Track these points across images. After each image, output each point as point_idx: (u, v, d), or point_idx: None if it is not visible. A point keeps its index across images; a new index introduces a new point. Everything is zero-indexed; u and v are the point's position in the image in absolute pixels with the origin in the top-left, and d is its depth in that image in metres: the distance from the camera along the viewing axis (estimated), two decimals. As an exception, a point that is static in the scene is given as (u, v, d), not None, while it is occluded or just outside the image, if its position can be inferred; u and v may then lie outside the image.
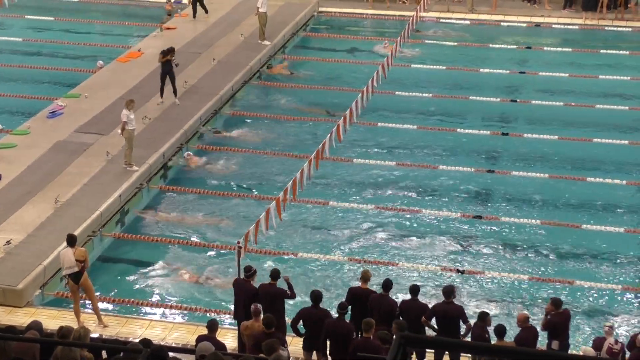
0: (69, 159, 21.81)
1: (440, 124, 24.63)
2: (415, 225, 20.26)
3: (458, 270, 18.65)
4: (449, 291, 15.18)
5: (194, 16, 29.93)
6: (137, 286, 18.39)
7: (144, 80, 25.86)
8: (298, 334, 15.05)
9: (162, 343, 15.31)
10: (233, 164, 22.80)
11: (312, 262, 19.03)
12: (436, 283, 18.13)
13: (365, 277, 15.43)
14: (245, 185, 21.93)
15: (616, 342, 14.57)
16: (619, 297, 18.02)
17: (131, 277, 18.66)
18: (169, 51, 23.85)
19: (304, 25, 31.11)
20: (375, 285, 16.20)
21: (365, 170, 22.42)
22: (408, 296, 15.36)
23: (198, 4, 29.93)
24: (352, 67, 27.92)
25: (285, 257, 19.12)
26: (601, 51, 28.93)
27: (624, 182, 21.66)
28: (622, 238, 19.74)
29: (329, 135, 19.85)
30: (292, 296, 15.45)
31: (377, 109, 24.98)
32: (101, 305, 17.42)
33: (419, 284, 16.06)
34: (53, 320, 16.52)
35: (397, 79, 26.47)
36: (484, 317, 14.82)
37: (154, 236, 19.82)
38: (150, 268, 18.91)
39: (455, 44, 29.66)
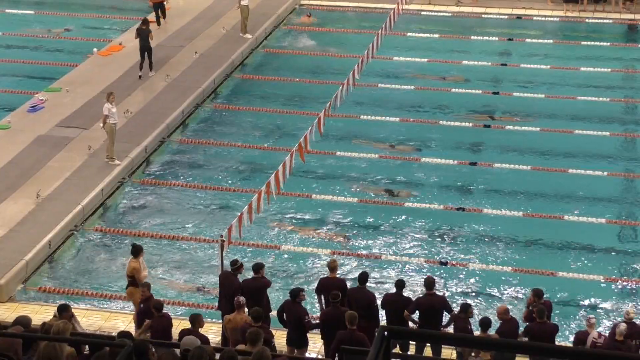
0: (51, 153, 21.71)
1: (423, 116, 24.65)
2: (398, 217, 20.29)
3: (441, 263, 18.70)
4: (431, 282, 15.25)
5: (159, 24, 28.34)
6: (120, 281, 18.32)
7: (125, 73, 25.75)
8: (285, 325, 15.10)
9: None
10: (215, 157, 22.76)
11: (294, 255, 19.02)
12: (419, 275, 18.16)
13: (331, 267, 15.51)
14: (228, 179, 21.88)
15: (599, 335, 14.62)
16: (601, 289, 18.11)
17: (114, 272, 18.61)
18: (143, 23, 25.24)
19: (285, 18, 31.04)
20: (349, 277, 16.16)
21: (348, 162, 22.42)
22: (392, 289, 15.41)
23: (159, 10, 28.51)
24: (334, 59, 27.87)
25: (268, 250, 19.11)
26: (582, 43, 29.02)
27: (606, 173, 21.77)
28: (604, 229, 19.85)
29: (310, 128, 19.85)
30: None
31: (360, 101, 24.98)
32: (85, 299, 17.37)
33: (401, 276, 16.13)
34: (35, 315, 16.43)
35: (379, 71, 26.48)
36: (466, 309, 14.90)
37: (137, 230, 19.77)
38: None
39: (437, 36, 29.70)
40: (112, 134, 21.12)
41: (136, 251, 16.19)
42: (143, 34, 25.16)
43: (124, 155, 21.61)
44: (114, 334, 15.03)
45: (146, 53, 25.22)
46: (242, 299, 14.69)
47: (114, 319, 16.86)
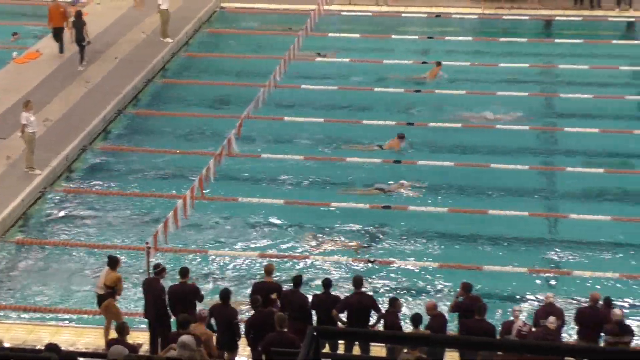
0: (-32, 164, 21.21)
1: (347, 116, 24.73)
2: (324, 217, 20.31)
3: (368, 261, 18.77)
4: (360, 281, 15.32)
5: (61, 51, 26.73)
6: (44, 292, 17.99)
7: (43, 81, 25.33)
8: (211, 329, 14.98)
9: (71, 349, 15.06)
10: (139, 163, 22.50)
11: (222, 259, 18.90)
12: (347, 274, 18.20)
13: (268, 270, 15.51)
14: (152, 184, 21.64)
15: (524, 324, 14.98)
16: (526, 280, 18.41)
17: (37, 283, 18.25)
18: (77, 16, 25.92)
19: (206, 22, 30.89)
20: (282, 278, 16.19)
21: (274, 164, 22.36)
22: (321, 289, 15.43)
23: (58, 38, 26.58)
24: (256, 62, 27.80)
25: (195, 255, 18.96)
26: (500, 40, 29.47)
27: (527, 166, 22.12)
28: (527, 221, 20.17)
29: (233, 131, 19.77)
30: (202, 298, 15.38)
31: (284, 103, 24.96)
32: (7, 312, 17.00)
33: (329, 276, 16.13)
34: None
35: (302, 72, 26.48)
36: (394, 303, 15.03)
37: (60, 240, 19.42)
38: (56, 273, 18.51)
39: (359, 35, 29.86)
40: (31, 143, 20.73)
41: (114, 263, 15.73)
42: (78, 26, 25.63)
43: (44, 165, 21.23)
44: (39, 347, 14.77)
45: (82, 45, 25.74)
46: (205, 311, 14.55)
47: (39, 331, 16.51)
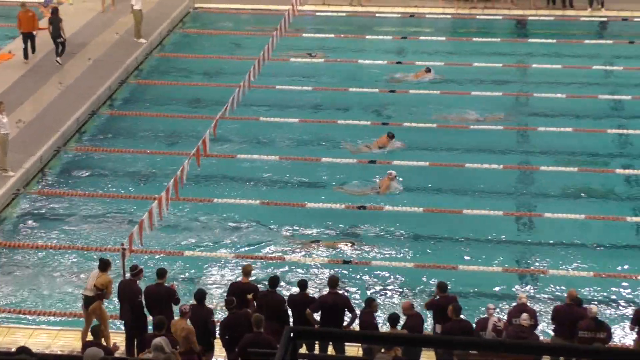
0: (-60, 166, 21.02)
1: (322, 116, 24.74)
2: (300, 218, 20.31)
3: (344, 261, 18.79)
4: (335, 281, 15.35)
5: (26, 57, 26.33)
6: (18, 294, 17.87)
7: (16, 82, 25.16)
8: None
9: (47, 351, 15.00)
10: (113, 164, 22.40)
11: (198, 261, 18.86)
12: (323, 274, 18.22)
13: (246, 271, 15.52)
14: (127, 186, 21.55)
15: (499, 320, 15.11)
16: (500, 279, 18.50)
17: (12, 285, 18.12)
18: (53, 12, 26.19)
19: (180, 22, 30.80)
20: (259, 280, 16.18)
21: (249, 165, 22.34)
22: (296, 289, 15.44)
23: (29, 40, 26.37)
24: (230, 62, 27.76)
25: (171, 256, 18.89)
26: (474, 39, 29.59)
27: (501, 166, 22.23)
28: (501, 221, 20.27)
29: (208, 131, 19.73)
30: (177, 301, 15.34)
31: (259, 103, 24.93)
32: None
33: (305, 276, 16.13)
34: None
35: (277, 73, 26.45)
36: (370, 303, 15.06)
37: (34, 242, 19.29)
38: (31, 275, 18.39)
39: (333, 35, 29.90)
40: (4, 145, 20.61)
41: (105, 265, 15.66)
42: (55, 23, 25.75)
43: (18, 166, 21.09)
44: (14, 349, 14.68)
45: (57, 42, 25.82)
46: (187, 306, 14.52)
47: (14, 333, 16.41)
